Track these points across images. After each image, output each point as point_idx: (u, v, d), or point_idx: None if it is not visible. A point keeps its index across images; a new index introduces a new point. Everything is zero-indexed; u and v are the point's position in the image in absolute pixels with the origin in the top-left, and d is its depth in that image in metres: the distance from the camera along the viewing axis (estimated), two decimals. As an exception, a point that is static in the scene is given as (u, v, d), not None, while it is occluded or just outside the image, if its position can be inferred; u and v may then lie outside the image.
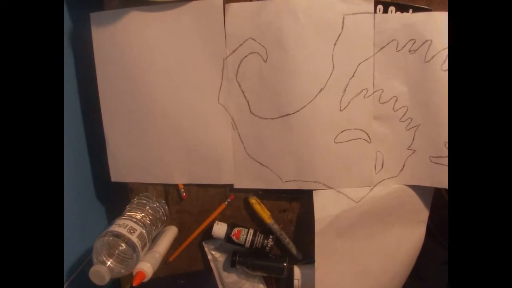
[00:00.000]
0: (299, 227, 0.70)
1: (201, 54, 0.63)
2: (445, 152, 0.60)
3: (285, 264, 0.68)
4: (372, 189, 0.64)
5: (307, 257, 0.71)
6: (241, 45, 0.61)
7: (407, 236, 0.68)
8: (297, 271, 0.69)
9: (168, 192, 0.71)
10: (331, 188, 0.64)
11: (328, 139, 0.63)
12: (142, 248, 0.59)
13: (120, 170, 0.70)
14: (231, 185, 0.67)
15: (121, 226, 0.58)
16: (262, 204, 0.69)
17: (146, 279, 0.59)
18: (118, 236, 0.57)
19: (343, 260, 0.66)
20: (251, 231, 0.68)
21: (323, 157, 0.63)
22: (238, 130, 0.65)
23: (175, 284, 0.73)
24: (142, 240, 0.59)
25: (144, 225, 0.61)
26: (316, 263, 0.64)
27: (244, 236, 0.67)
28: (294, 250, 0.70)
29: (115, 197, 0.74)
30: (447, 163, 0.60)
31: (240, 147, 0.66)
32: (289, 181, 0.65)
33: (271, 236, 0.68)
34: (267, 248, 0.67)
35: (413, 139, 0.62)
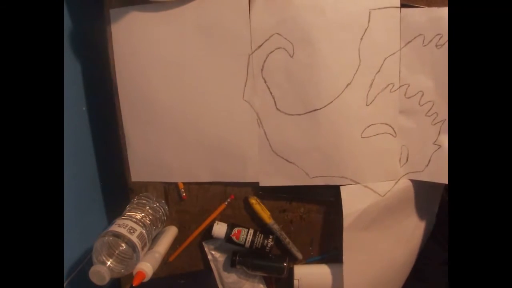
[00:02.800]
0: (299, 227, 0.70)
1: (225, 50, 0.62)
2: None
3: (285, 264, 0.68)
4: (397, 182, 0.64)
5: (307, 257, 0.71)
6: (266, 40, 0.61)
7: (422, 223, 0.69)
8: (297, 271, 0.69)
9: (168, 192, 0.71)
10: (358, 183, 0.64)
11: (355, 134, 0.62)
12: (142, 248, 0.59)
13: (141, 170, 0.69)
14: (257, 183, 0.67)
15: (121, 226, 0.58)
16: (262, 204, 0.69)
17: (146, 279, 0.59)
18: (118, 236, 0.57)
19: (369, 252, 0.67)
20: (251, 231, 0.68)
21: (350, 152, 0.63)
22: (264, 127, 0.64)
23: (175, 284, 0.73)
24: (142, 240, 0.59)
25: (144, 225, 0.61)
26: (344, 257, 0.64)
27: (244, 236, 0.67)
28: (294, 250, 0.70)
29: (115, 197, 0.75)
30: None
31: (265, 144, 0.65)
32: (316, 177, 0.65)
33: (271, 236, 0.68)
34: (267, 248, 0.67)
35: (439, 134, 0.62)
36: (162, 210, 0.69)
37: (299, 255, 0.70)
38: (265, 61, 0.62)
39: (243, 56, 0.62)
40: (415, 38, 0.59)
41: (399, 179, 0.64)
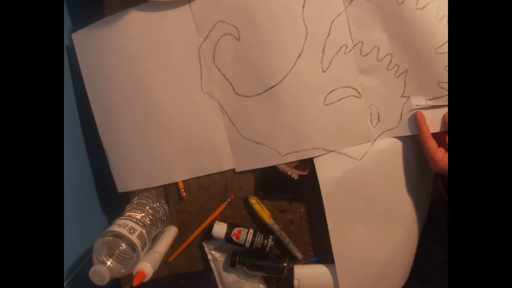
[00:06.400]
0: (299, 227, 0.70)
1: (176, 49, 0.63)
2: (441, 92, 0.58)
3: (285, 264, 0.68)
4: (373, 143, 0.63)
5: (307, 257, 0.71)
6: (211, 30, 0.62)
7: (418, 188, 0.66)
8: (297, 271, 0.69)
9: (168, 192, 0.71)
10: (331, 151, 0.64)
11: (317, 103, 0.62)
12: (142, 248, 0.59)
13: (125, 180, 0.71)
14: (233, 170, 0.68)
15: (121, 226, 0.58)
16: (262, 204, 0.69)
17: (146, 279, 0.59)
18: (118, 236, 0.57)
19: (357, 219, 0.65)
20: (251, 231, 0.68)
21: (316, 121, 0.63)
22: (228, 114, 0.65)
23: (175, 284, 0.73)
24: (142, 240, 0.59)
25: (144, 225, 0.61)
26: (329, 228, 0.64)
27: (244, 236, 0.67)
28: (294, 250, 0.70)
29: (115, 197, 0.74)
30: (445, 102, 0.58)
31: (233, 130, 0.66)
32: (288, 153, 0.65)
33: (271, 236, 0.68)
34: (267, 248, 0.67)
35: (405, 86, 0.60)
36: (162, 210, 0.69)
37: (299, 255, 0.70)
38: (214, 50, 0.63)
39: (193, 50, 0.63)
40: None
41: (375, 140, 0.63)
